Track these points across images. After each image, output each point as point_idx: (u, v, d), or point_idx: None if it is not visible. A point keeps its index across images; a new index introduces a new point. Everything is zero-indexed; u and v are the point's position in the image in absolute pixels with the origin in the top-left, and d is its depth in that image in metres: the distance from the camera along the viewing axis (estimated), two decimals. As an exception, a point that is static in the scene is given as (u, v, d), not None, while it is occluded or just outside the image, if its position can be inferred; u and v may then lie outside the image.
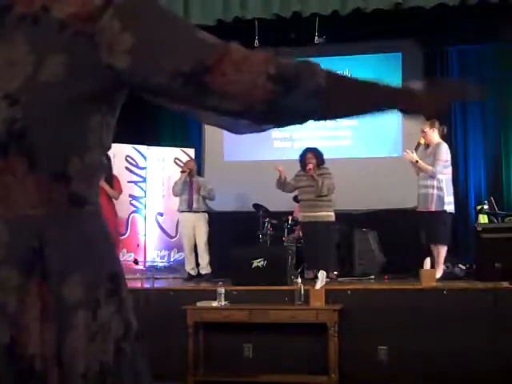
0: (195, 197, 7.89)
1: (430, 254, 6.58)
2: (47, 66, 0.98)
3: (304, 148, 7.59)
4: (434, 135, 6.76)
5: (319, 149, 7.48)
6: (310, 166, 7.23)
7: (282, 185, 7.51)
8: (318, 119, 1.16)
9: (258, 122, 1.11)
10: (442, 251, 6.62)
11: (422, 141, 6.81)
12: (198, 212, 7.89)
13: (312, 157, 7.32)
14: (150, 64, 1.01)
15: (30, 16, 0.99)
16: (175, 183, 8.01)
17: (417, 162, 6.67)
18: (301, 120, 1.15)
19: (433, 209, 6.58)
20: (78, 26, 0.99)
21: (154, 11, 1.03)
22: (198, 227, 7.87)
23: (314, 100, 1.09)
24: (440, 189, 6.58)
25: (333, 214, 7.26)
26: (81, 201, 1.05)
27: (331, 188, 7.20)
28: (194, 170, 8.12)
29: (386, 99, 1.17)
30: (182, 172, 8.04)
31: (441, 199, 6.57)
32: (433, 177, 6.59)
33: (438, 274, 6.47)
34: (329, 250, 7.21)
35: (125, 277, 1.15)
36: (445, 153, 6.65)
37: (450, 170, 6.72)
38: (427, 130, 6.74)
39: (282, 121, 1.14)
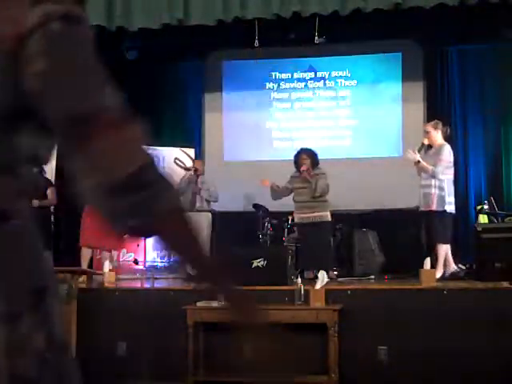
0: (198, 196, 7.89)
1: (430, 253, 6.59)
2: None
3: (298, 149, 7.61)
4: (438, 136, 6.76)
5: (313, 149, 7.48)
6: (304, 167, 7.24)
7: (277, 194, 7.52)
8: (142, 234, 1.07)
9: (104, 204, 1.02)
10: (442, 251, 6.62)
11: (426, 141, 6.81)
12: (201, 212, 7.87)
13: (306, 157, 7.33)
14: (49, 95, 1.00)
15: None
16: (179, 182, 7.99)
17: (418, 162, 6.68)
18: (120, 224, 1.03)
19: (434, 208, 6.59)
20: (6, 43, 0.99)
21: (78, 49, 1.03)
22: (200, 228, 7.84)
23: (147, 213, 1.02)
24: (441, 188, 6.59)
25: (328, 214, 7.26)
26: (6, 215, 1.04)
27: (325, 189, 7.21)
28: (202, 169, 8.15)
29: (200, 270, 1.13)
30: (186, 170, 8.06)
31: (442, 199, 6.58)
32: (434, 177, 6.60)
33: (438, 274, 6.47)
34: (325, 250, 7.21)
35: (55, 290, 1.14)
36: (448, 154, 6.65)
37: (451, 171, 6.73)
38: (431, 130, 6.75)
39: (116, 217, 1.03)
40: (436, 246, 6.65)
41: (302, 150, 7.49)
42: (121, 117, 1.02)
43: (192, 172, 7.95)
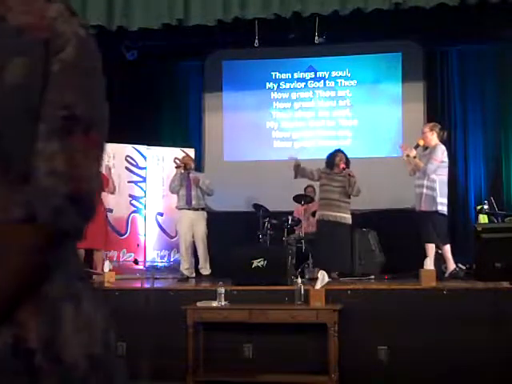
0: (194, 193, 7.80)
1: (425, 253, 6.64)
2: (10, 69, 1.00)
3: (334, 148, 7.71)
4: (433, 138, 6.86)
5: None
6: (343, 165, 7.28)
7: (301, 173, 7.51)
8: None
9: None
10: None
11: (421, 142, 6.91)
12: (197, 210, 7.82)
13: (343, 157, 7.41)
14: (61, 83, 1.04)
15: None
16: (172, 180, 7.94)
17: (414, 157, 6.78)
18: None
19: (423, 208, 6.65)
20: (36, 33, 1.03)
21: (95, 59, 1.10)
22: (196, 226, 7.79)
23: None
24: (432, 189, 6.65)
25: (350, 216, 7.35)
26: None
27: (359, 191, 7.28)
28: (191, 165, 8.03)
29: None
30: (177, 167, 7.96)
31: (432, 199, 6.64)
32: (426, 175, 6.66)
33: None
34: (344, 251, 7.26)
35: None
36: (440, 153, 6.72)
37: (445, 171, 6.77)
38: (426, 131, 6.85)
39: None
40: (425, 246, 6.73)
41: (338, 149, 7.61)
42: (100, 134, 1.07)
43: (182, 169, 7.86)
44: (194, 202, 7.78)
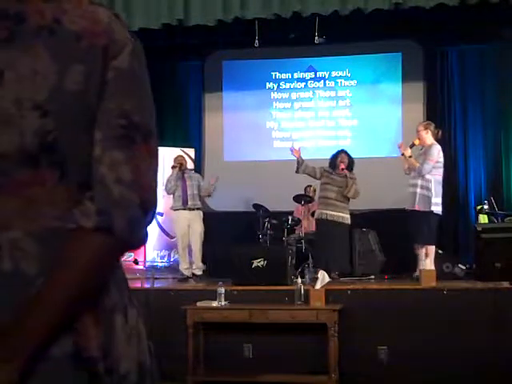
0: (189, 193, 7.78)
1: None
2: (69, 75, 0.99)
3: (338, 149, 7.69)
4: (428, 137, 6.90)
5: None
6: (343, 165, 7.29)
7: (302, 168, 7.50)
8: None
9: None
10: (428, 251, 6.70)
11: (417, 141, 6.95)
12: (193, 209, 7.76)
13: (346, 157, 7.41)
14: (119, 92, 1.03)
15: (45, 28, 1.00)
16: (167, 180, 7.86)
17: (410, 156, 6.82)
18: None
19: (417, 208, 6.65)
20: (94, 39, 1.01)
21: (145, 70, 1.09)
22: (192, 226, 7.74)
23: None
24: (427, 189, 6.66)
25: (349, 216, 7.34)
26: None
27: (357, 193, 7.27)
28: (185, 164, 8.00)
29: None
30: (172, 167, 7.93)
31: (427, 199, 6.65)
32: (421, 175, 6.68)
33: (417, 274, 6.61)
34: (343, 250, 7.25)
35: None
36: (436, 154, 6.73)
37: (440, 171, 6.78)
38: (421, 130, 6.88)
39: None
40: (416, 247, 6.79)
41: (342, 150, 7.62)
42: (157, 142, 1.07)
43: (178, 169, 7.83)
44: (189, 203, 7.74)
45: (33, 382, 0.93)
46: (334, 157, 7.50)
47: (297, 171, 7.57)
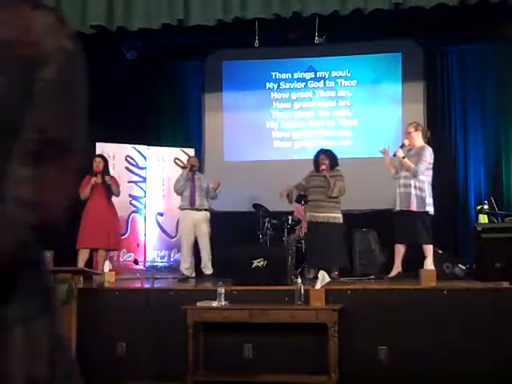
0: (198, 194, 7.83)
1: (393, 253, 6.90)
2: None
3: (318, 149, 7.72)
4: (418, 138, 6.98)
5: (333, 151, 7.59)
6: (323, 166, 7.30)
7: (291, 198, 7.63)
8: None
9: None
10: (429, 251, 6.73)
11: (407, 142, 7.02)
12: (200, 210, 7.82)
13: (325, 158, 7.42)
14: (43, 104, 1.00)
15: None
16: (177, 180, 7.94)
17: (404, 157, 6.85)
18: None
19: (414, 208, 6.67)
20: (20, 49, 0.98)
21: (80, 75, 1.05)
22: (199, 227, 7.78)
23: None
24: (421, 189, 6.72)
25: (340, 216, 7.32)
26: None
27: (342, 190, 7.27)
28: (197, 166, 8.08)
29: None
30: (183, 168, 7.99)
31: (422, 200, 6.68)
32: (415, 176, 6.72)
33: (393, 273, 6.79)
34: (338, 250, 7.23)
35: (55, 290, 1.15)
36: (429, 155, 6.80)
37: (431, 173, 6.87)
38: (411, 131, 6.92)
39: None
40: (398, 246, 6.88)
41: (321, 150, 7.61)
42: (76, 158, 1.03)
43: (188, 169, 7.90)
44: (197, 203, 7.80)
45: None
46: (315, 158, 7.50)
47: (291, 202, 7.70)
